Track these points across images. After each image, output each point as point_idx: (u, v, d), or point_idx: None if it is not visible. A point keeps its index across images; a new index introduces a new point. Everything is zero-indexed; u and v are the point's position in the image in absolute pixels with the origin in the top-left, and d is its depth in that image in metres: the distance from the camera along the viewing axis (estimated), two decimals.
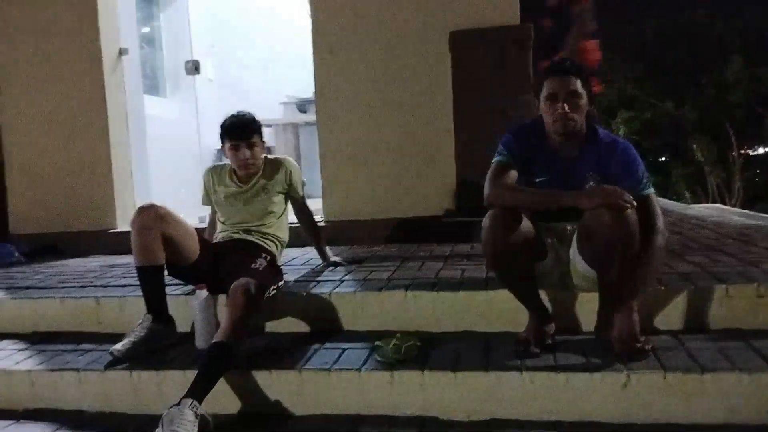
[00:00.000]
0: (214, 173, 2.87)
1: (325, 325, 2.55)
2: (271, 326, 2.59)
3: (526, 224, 2.09)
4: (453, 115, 3.83)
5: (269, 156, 2.89)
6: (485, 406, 2.02)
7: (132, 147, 4.52)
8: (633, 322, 2.03)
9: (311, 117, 5.16)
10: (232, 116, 2.74)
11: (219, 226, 2.87)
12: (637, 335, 2.02)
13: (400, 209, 3.95)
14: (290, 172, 2.85)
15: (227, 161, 2.84)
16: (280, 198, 2.85)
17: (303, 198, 2.95)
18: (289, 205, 2.95)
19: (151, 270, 2.41)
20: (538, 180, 2.22)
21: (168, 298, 2.50)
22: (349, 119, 4.00)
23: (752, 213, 5.24)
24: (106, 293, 2.82)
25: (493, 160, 2.21)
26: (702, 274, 2.47)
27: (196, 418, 1.88)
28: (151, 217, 2.40)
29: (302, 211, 2.97)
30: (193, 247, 2.53)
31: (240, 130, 2.69)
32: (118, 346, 2.31)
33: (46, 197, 4.38)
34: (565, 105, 2.10)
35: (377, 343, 2.22)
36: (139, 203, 4.31)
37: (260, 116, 6.80)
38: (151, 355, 2.35)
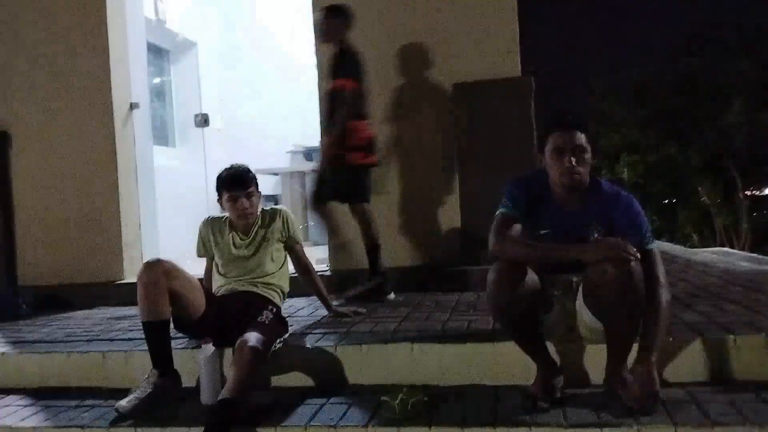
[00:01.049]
0: (213, 225, 2.88)
1: (331, 379, 2.54)
2: (276, 380, 2.58)
3: (531, 277, 2.10)
4: (457, 166, 3.89)
5: (265, 208, 2.92)
6: None
7: (141, 198, 4.58)
8: (652, 379, 2.02)
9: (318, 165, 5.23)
10: (228, 169, 2.80)
11: (219, 279, 2.85)
12: (654, 392, 2.01)
13: (405, 258, 3.96)
14: (287, 220, 2.88)
15: (225, 213, 2.87)
16: (280, 246, 2.88)
17: (301, 247, 2.98)
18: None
19: (157, 325, 2.42)
20: (542, 232, 2.23)
21: (174, 352, 2.50)
22: None
23: (760, 257, 5.22)
24: (112, 347, 2.82)
25: (498, 212, 2.23)
26: (709, 325, 2.46)
27: None
28: (158, 272, 2.42)
29: (301, 262, 2.98)
30: (199, 302, 2.54)
31: (237, 181, 2.73)
32: (124, 402, 2.30)
33: (55, 248, 4.41)
34: (572, 159, 2.13)
35: (384, 398, 2.20)
36: (147, 254, 4.39)
37: (267, 165, 6.91)
38: (157, 410, 2.33)
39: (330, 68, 3.64)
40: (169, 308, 2.43)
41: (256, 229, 2.83)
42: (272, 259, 2.83)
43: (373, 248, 3.62)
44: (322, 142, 3.68)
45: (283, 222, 2.87)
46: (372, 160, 3.61)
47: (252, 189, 2.76)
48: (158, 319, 2.41)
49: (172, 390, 2.43)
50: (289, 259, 2.97)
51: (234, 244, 2.82)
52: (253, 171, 2.83)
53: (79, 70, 4.41)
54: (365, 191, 3.61)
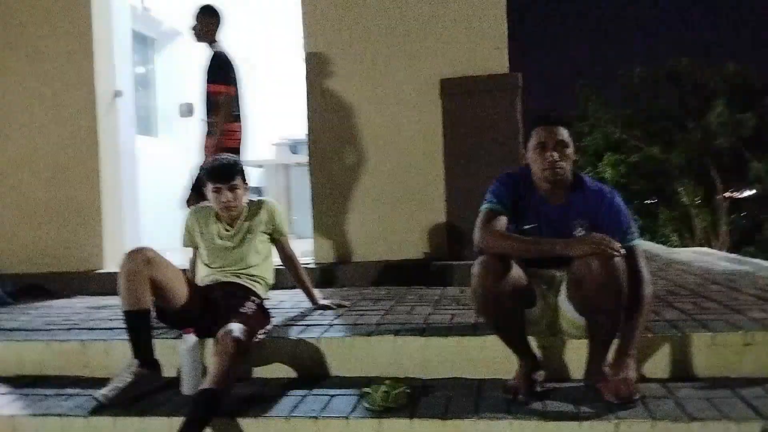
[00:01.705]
0: (199, 216, 2.87)
1: (314, 371, 2.53)
2: (258, 372, 2.57)
3: (515, 271, 2.11)
4: (443, 161, 3.89)
5: (253, 198, 2.90)
6: None
7: (123, 188, 4.53)
8: (629, 372, 2.06)
9: (303, 158, 5.22)
10: (214, 159, 2.79)
11: (204, 269, 2.84)
12: (631, 387, 2.04)
13: (390, 252, 3.97)
14: (273, 212, 2.87)
15: (210, 204, 2.84)
16: (265, 238, 2.87)
17: (287, 240, 2.97)
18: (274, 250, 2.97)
19: (138, 314, 2.39)
20: (526, 227, 2.25)
21: (155, 342, 2.48)
22: (340, 162, 4.05)
23: (739, 257, 5.29)
24: (92, 336, 2.79)
25: (482, 207, 2.24)
26: (689, 321, 2.49)
27: None
28: (140, 261, 2.39)
29: (286, 254, 2.97)
30: (182, 291, 2.52)
31: (222, 173, 2.71)
32: (104, 391, 2.28)
33: (35, 236, 4.35)
34: (554, 153, 2.15)
35: (366, 389, 2.21)
36: (128, 244, 4.34)
37: (252, 157, 6.84)
38: (137, 400, 2.31)
39: (205, 70, 3.72)
40: (151, 298, 2.41)
41: (241, 220, 2.82)
42: (257, 251, 2.82)
43: None
44: (204, 143, 3.81)
45: (269, 214, 2.86)
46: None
47: (236, 182, 2.73)
48: (139, 309, 2.38)
49: (153, 380, 2.41)
50: (274, 250, 2.96)
51: (219, 234, 2.81)
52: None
53: (62, 56, 4.34)
54: None
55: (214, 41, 3.72)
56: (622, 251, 1.98)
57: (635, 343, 2.11)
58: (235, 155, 2.88)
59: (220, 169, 2.72)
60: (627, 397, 2.02)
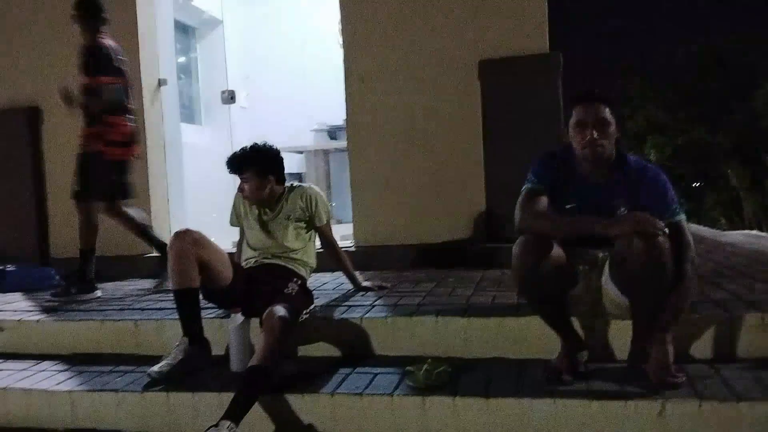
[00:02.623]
0: (242, 200, 2.90)
1: (357, 350, 2.58)
2: (303, 350, 2.63)
3: (556, 251, 2.10)
4: (483, 143, 3.87)
5: (295, 184, 2.92)
6: None
7: (169, 174, 4.65)
8: (667, 354, 2.02)
9: (341, 144, 5.26)
10: (236, 151, 2.81)
11: (247, 251, 2.89)
12: (670, 367, 2.01)
13: (430, 235, 3.98)
14: (313, 200, 2.86)
15: None
16: (302, 225, 2.87)
17: (327, 226, 2.95)
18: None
19: (187, 293, 2.46)
20: (567, 206, 2.23)
21: (203, 321, 2.56)
22: (379, 146, 4.07)
23: None
24: (144, 316, 2.90)
25: (523, 188, 2.23)
26: (737, 302, 2.44)
27: None
28: (188, 241, 2.46)
29: (326, 241, 2.99)
30: (227, 272, 2.58)
31: (231, 165, 2.77)
32: (156, 368, 2.37)
33: None
34: (594, 131, 2.12)
35: (408, 368, 2.24)
36: (175, 228, 4.45)
37: (291, 143, 6.89)
38: (188, 377, 2.40)
39: (84, 64, 3.55)
40: (198, 276, 2.47)
41: (280, 206, 2.85)
42: (296, 235, 2.84)
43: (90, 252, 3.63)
44: (81, 136, 3.64)
45: (307, 202, 2.85)
46: (128, 155, 3.64)
47: (247, 175, 2.74)
48: (188, 287, 2.45)
49: (202, 357, 2.49)
50: (317, 236, 2.98)
51: (260, 217, 2.85)
52: (279, 148, 2.84)
53: None
54: (122, 188, 3.64)
55: (97, 34, 3.57)
56: (666, 230, 1.95)
57: (674, 324, 2.06)
58: (261, 145, 2.80)
59: (231, 162, 2.77)
60: (663, 377, 2.00)
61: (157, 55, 4.60)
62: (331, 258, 3.07)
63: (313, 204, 2.87)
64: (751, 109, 17.93)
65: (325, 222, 2.93)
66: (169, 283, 2.55)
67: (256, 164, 2.75)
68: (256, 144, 2.80)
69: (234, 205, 2.96)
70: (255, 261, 2.83)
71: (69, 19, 3.69)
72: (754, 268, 3.22)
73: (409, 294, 3.01)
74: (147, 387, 2.36)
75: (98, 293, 3.58)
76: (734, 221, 18.24)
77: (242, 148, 2.79)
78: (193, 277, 2.45)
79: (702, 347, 2.28)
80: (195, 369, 2.43)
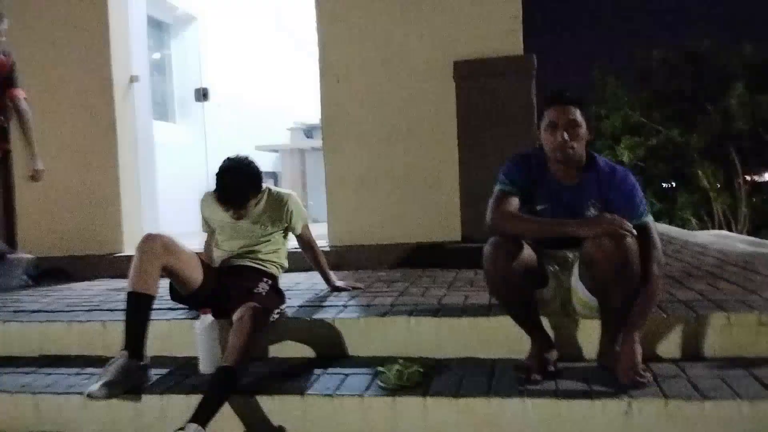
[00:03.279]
0: (213, 201, 2.73)
1: (329, 351, 2.57)
2: (274, 351, 2.61)
3: (527, 251, 2.12)
4: (457, 143, 3.88)
5: (272, 189, 2.84)
6: None
7: (140, 172, 4.59)
8: (634, 354, 2.05)
9: (317, 143, 5.24)
10: (221, 177, 2.60)
11: (218, 251, 2.85)
12: (637, 367, 2.04)
13: (404, 235, 3.98)
14: (290, 212, 2.81)
15: None
16: (277, 230, 2.83)
17: (305, 230, 2.91)
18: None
19: (142, 298, 2.34)
20: (539, 207, 2.25)
21: (172, 322, 2.53)
22: (354, 146, 4.06)
23: (756, 240, 5.23)
24: (113, 317, 2.85)
25: (495, 188, 2.25)
26: (704, 302, 2.48)
27: None
28: (158, 246, 2.40)
29: (305, 242, 2.96)
30: (197, 275, 2.54)
31: (233, 202, 2.62)
32: (95, 388, 2.13)
33: (55, 221, 4.43)
34: (565, 134, 2.15)
35: (380, 368, 2.24)
36: (146, 228, 4.40)
37: (267, 141, 6.88)
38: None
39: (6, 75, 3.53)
40: (158, 287, 2.39)
41: (254, 209, 2.75)
42: (269, 239, 2.80)
43: None
44: None
45: (285, 213, 2.80)
46: None
47: (243, 210, 2.65)
48: (146, 293, 2.35)
49: (143, 374, 2.34)
50: (291, 236, 2.94)
51: (228, 221, 2.76)
52: (255, 146, 2.79)
53: (79, 42, 4.38)
54: None
55: None
56: (634, 232, 1.98)
57: (641, 324, 2.09)
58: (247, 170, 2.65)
59: (232, 199, 2.62)
60: (630, 376, 2.02)
61: (129, 51, 4.53)
62: (308, 257, 3.04)
63: (290, 215, 2.81)
64: (724, 110, 18.27)
65: (300, 231, 2.89)
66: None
67: (253, 189, 2.67)
68: (240, 167, 2.63)
69: (201, 212, 2.89)
70: (225, 261, 2.81)
71: (35, 12, 3.62)
72: (722, 268, 3.28)
73: (382, 294, 3.01)
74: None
75: None
76: (704, 221, 18.58)
77: (232, 179, 2.59)
78: (152, 284, 2.36)
79: (669, 347, 2.31)
80: (135, 386, 2.27)
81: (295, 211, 2.84)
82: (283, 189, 2.91)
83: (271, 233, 2.81)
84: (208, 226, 2.92)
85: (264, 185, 2.77)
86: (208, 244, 2.95)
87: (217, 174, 2.61)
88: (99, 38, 4.36)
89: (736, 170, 18.69)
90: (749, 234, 14.40)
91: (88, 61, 4.37)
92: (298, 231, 2.88)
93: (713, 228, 16.94)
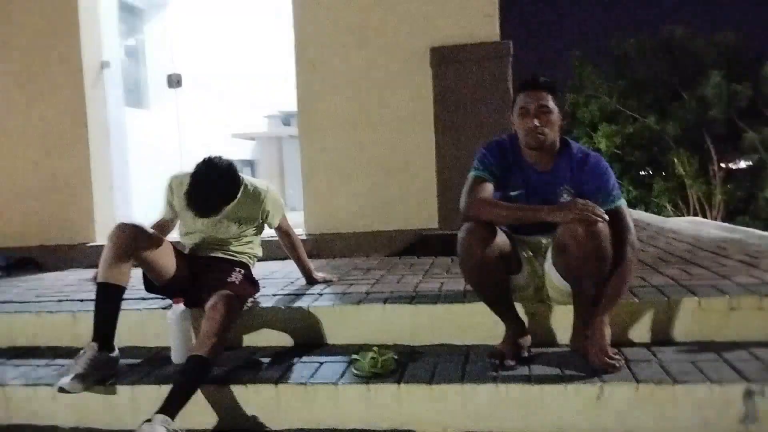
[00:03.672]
0: (180, 188, 2.50)
1: (304, 339, 2.55)
2: (248, 340, 2.59)
3: (501, 237, 2.12)
4: (434, 130, 3.87)
5: (248, 184, 2.63)
6: (460, 419, 2.03)
7: (112, 160, 4.50)
8: (604, 338, 2.06)
9: (295, 130, 5.19)
10: (193, 187, 2.36)
11: (186, 240, 2.73)
12: (607, 349, 2.05)
13: (381, 223, 3.97)
14: (267, 211, 2.68)
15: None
16: (252, 225, 2.72)
17: (283, 222, 2.81)
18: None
19: (113, 289, 2.28)
20: (513, 194, 2.25)
21: (144, 312, 2.48)
22: (330, 133, 4.03)
23: (730, 226, 5.31)
24: (83, 308, 2.79)
25: (469, 175, 2.24)
26: (676, 287, 2.51)
27: None
28: (129, 235, 2.33)
29: (283, 232, 2.86)
30: (170, 265, 2.48)
31: (209, 209, 2.41)
32: (66, 381, 2.10)
33: (25, 210, 4.34)
34: (536, 119, 2.14)
35: (354, 356, 2.23)
36: (119, 216, 4.33)
37: (243, 129, 6.78)
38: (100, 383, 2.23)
39: None
40: (129, 277, 2.33)
41: (230, 208, 2.53)
42: (241, 233, 2.70)
43: None
44: None
45: (262, 211, 2.67)
46: None
47: (222, 215, 2.52)
48: (117, 284, 2.29)
49: (112, 366, 2.30)
50: (266, 227, 2.84)
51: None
52: (230, 135, 2.68)
53: (47, 27, 4.27)
54: None
55: None
56: (606, 217, 1.98)
57: (610, 308, 2.10)
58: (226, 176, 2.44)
59: (207, 208, 2.41)
60: (606, 366, 2.02)
61: (99, 36, 4.43)
62: (286, 248, 2.93)
63: (266, 214, 2.69)
64: (699, 97, 18.50)
65: (277, 224, 2.79)
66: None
67: (230, 198, 2.47)
68: (218, 174, 2.39)
69: (167, 197, 2.66)
70: (194, 250, 2.71)
71: None
72: (694, 254, 3.32)
73: (358, 282, 3.00)
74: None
75: None
76: (679, 208, 18.86)
77: (208, 189, 2.36)
78: (123, 274, 2.30)
79: (641, 331, 2.33)
80: (104, 378, 2.24)
81: (272, 209, 2.70)
82: (259, 181, 2.72)
83: (244, 228, 2.70)
84: (171, 212, 2.68)
85: (240, 177, 2.56)
86: (161, 226, 2.67)
87: (192, 178, 2.37)
88: (68, 23, 4.26)
89: (711, 157, 18.98)
90: (723, 220, 14.66)
91: (57, 47, 4.27)
92: (276, 223, 2.78)
93: (689, 215, 17.21)
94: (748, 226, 8.68)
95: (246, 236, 2.73)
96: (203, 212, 2.41)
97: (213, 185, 2.37)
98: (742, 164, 20.33)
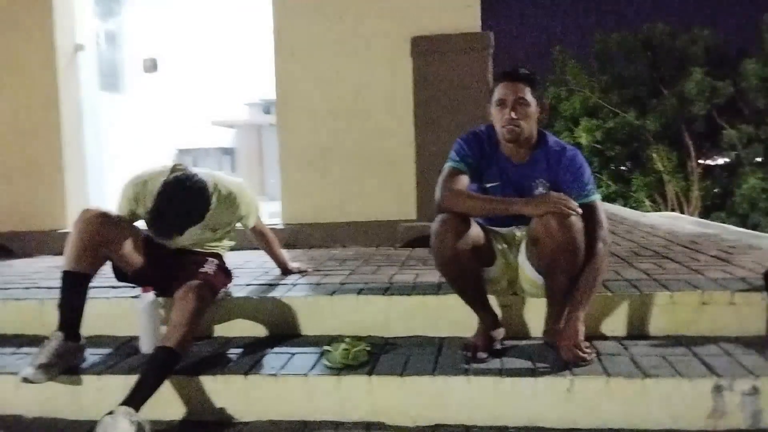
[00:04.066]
0: (148, 192, 2.31)
1: (276, 330, 2.53)
2: (220, 330, 2.55)
3: (475, 229, 2.11)
4: (413, 121, 3.84)
5: (221, 187, 2.46)
6: (432, 412, 2.02)
7: (86, 145, 4.41)
8: (577, 332, 2.05)
9: (275, 119, 5.13)
10: (161, 207, 2.12)
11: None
12: (580, 344, 2.05)
13: (359, 213, 3.94)
14: (241, 215, 2.58)
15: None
16: (225, 230, 2.62)
17: (256, 225, 2.71)
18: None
19: (78, 277, 2.22)
20: (489, 185, 2.24)
21: (112, 300, 2.43)
22: (309, 123, 3.99)
23: (705, 221, 5.37)
24: (50, 295, 2.73)
25: (445, 166, 2.22)
26: (649, 281, 2.52)
27: (132, 425, 1.82)
28: (95, 222, 2.25)
29: (257, 232, 2.76)
30: (139, 253, 2.39)
31: (162, 234, 2.20)
32: (30, 371, 2.05)
33: None
34: (513, 112, 2.13)
35: (326, 348, 2.21)
36: (92, 203, 4.25)
37: (223, 117, 6.70)
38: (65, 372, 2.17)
39: None
40: (96, 264, 2.26)
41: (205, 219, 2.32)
42: (219, 235, 2.61)
43: None
44: None
45: (236, 215, 2.56)
46: None
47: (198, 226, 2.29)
48: (83, 272, 2.23)
49: (78, 355, 2.26)
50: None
51: None
52: (211, 123, 2.58)
53: (20, 8, 4.17)
54: None
55: None
56: (579, 211, 1.98)
57: (584, 302, 2.08)
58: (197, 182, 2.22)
59: (174, 230, 2.19)
60: (577, 359, 2.02)
61: (73, 18, 4.33)
62: (261, 245, 2.87)
63: (240, 215, 2.58)
64: (679, 93, 18.67)
65: (252, 225, 2.68)
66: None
67: (200, 218, 2.24)
68: (190, 195, 2.17)
69: (127, 201, 2.39)
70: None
71: None
72: (669, 248, 3.34)
73: (333, 272, 2.97)
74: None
75: None
76: (657, 203, 19.08)
77: (175, 210, 2.13)
78: (88, 262, 2.23)
79: (614, 325, 2.34)
80: (70, 368, 2.19)
81: (247, 212, 2.59)
82: (232, 182, 2.54)
83: (219, 235, 2.60)
84: (131, 213, 2.41)
85: (211, 182, 2.35)
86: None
87: (158, 198, 2.13)
88: (42, 4, 4.15)
89: (689, 153, 19.20)
90: (701, 216, 14.86)
91: (30, 28, 4.17)
92: (252, 223, 2.68)
93: (666, 210, 17.42)
94: (723, 222, 8.81)
95: (221, 234, 2.64)
96: (165, 237, 2.25)
97: (181, 211, 2.14)
98: (720, 161, 20.61)
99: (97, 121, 4.58)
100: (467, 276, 2.14)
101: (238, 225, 2.69)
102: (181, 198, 2.14)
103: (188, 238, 2.41)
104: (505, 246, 2.30)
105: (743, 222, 15.94)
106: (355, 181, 3.96)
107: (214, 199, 2.35)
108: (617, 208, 6.63)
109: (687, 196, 19.02)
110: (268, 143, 6.30)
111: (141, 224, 2.35)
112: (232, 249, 2.77)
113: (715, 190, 19.53)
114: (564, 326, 2.07)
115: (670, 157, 18.97)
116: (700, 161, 19.77)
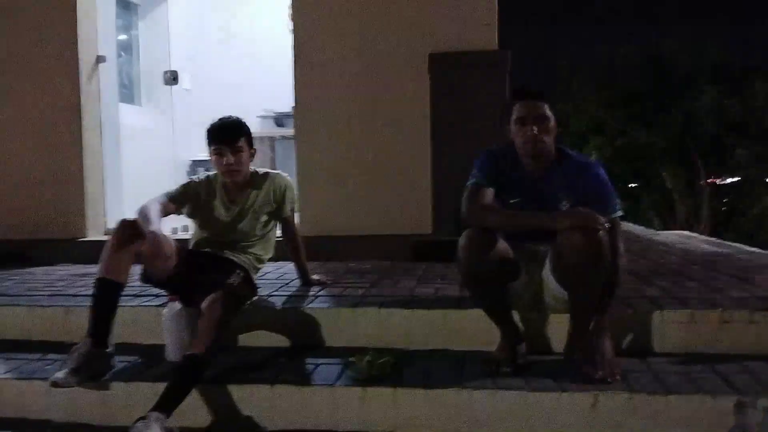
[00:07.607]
0: (209, 187, 2.66)
1: (298, 340, 2.55)
2: (244, 341, 2.58)
3: (501, 244, 2.14)
4: (430, 136, 3.88)
5: (260, 171, 2.71)
6: (456, 425, 2.04)
7: (105, 155, 4.47)
8: (605, 348, 2.08)
9: (288, 131, 5.19)
10: (219, 120, 2.60)
11: (198, 233, 2.72)
12: (608, 360, 2.07)
13: (376, 227, 3.97)
14: (283, 190, 2.70)
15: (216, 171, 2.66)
16: (267, 218, 2.71)
17: (291, 217, 2.82)
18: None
19: (110, 285, 2.28)
20: (511, 201, 2.27)
21: (140, 309, 2.46)
22: (327, 135, 4.03)
23: (720, 241, 5.38)
24: (75, 303, 2.77)
25: (469, 182, 2.26)
26: (668, 299, 2.54)
27: (163, 431, 1.85)
28: (132, 234, 2.30)
29: (289, 231, 2.86)
30: (170, 264, 2.37)
31: (225, 133, 2.54)
32: (61, 374, 2.10)
33: (15, 204, 4.30)
34: (534, 127, 2.17)
35: (350, 359, 2.23)
36: (111, 212, 4.30)
37: None
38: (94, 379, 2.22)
39: None
40: (129, 274, 2.33)
41: (246, 197, 2.64)
42: (256, 227, 2.68)
43: None
44: None
45: (277, 192, 2.68)
46: None
47: (241, 144, 2.55)
48: (116, 281, 2.28)
49: (106, 362, 2.28)
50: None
51: (221, 206, 2.65)
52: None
53: (46, 21, 4.25)
54: None
55: None
56: (606, 226, 2.01)
57: (607, 314, 2.14)
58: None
59: (225, 129, 2.55)
60: (602, 371, 2.04)
61: (96, 31, 4.41)
62: (289, 249, 2.93)
63: (281, 194, 2.70)
64: (687, 111, 18.65)
65: (289, 213, 2.78)
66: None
67: (247, 133, 2.61)
68: (229, 116, 2.63)
69: (191, 188, 2.65)
70: (203, 246, 2.67)
71: None
72: (685, 267, 3.36)
73: (353, 285, 3.00)
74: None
75: None
76: (667, 222, 19.01)
77: (225, 118, 2.60)
78: (123, 272, 2.29)
79: (634, 342, 2.36)
80: (97, 374, 2.23)
81: (288, 190, 2.73)
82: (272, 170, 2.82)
83: (260, 222, 2.67)
84: (180, 204, 2.62)
85: (260, 170, 2.73)
86: (165, 206, 2.54)
87: (212, 123, 2.60)
88: (66, 17, 4.23)
89: (698, 172, 19.14)
90: (710, 235, 14.81)
91: (54, 40, 4.25)
92: (288, 211, 2.77)
93: (676, 228, 17.35)
94: (734, 241, 8.78)
95: (257, 235, 2.69)
96: (226, 135, 2.54)
97: (234, 117, 2.61)
98: (728, 180, 20.53)
99: (115, 131, 4.64)
100: (493, 290, 2.17)
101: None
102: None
103: (239, 221, 2.63)
104: (528, 260, 2.32)
105: (751, 241, 15.88)
106: (371, 194, 4.00)
107: (258, 177, 2.68)
108: (631, 226, 6.64)
109: (697, 215, 18.96)
110: (280, 155, 6.35)
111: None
112: (260, 261, 2.78)
113: (723, 209, 19.45)
114: (591, 341, 2.09)
115: (679, 175, 18.93)
116: (710, 180, 19.72)
